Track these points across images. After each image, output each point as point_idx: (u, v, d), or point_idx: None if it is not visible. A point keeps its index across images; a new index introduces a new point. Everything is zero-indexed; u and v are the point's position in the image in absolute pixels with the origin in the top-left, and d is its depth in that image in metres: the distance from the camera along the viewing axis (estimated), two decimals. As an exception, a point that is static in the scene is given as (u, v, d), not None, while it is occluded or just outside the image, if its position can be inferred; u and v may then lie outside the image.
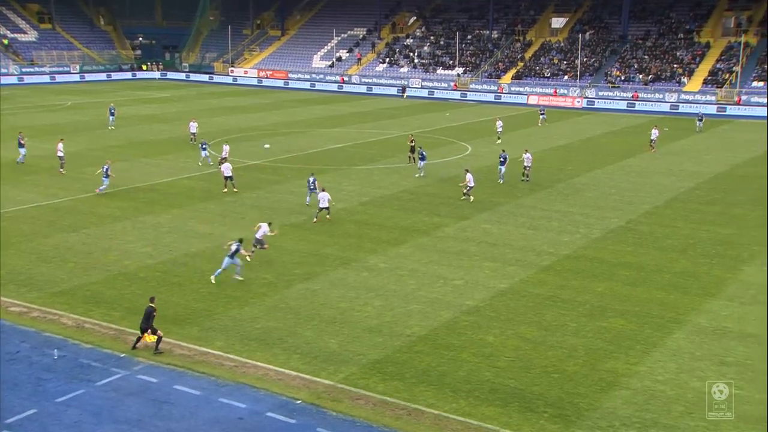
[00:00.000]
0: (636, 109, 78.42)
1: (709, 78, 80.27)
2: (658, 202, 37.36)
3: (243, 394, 17.86)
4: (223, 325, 21.74)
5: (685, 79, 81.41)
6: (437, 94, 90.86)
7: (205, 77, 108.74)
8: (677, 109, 76.80)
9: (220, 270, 25.04)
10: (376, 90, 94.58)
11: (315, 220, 32.71)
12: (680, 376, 18.91)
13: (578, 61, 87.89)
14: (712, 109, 74.47)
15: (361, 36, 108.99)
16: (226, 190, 38.08)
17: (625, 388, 18.29)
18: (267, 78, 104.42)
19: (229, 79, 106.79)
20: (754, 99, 75.37)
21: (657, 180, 42.54)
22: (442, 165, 46.20)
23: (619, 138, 60.21)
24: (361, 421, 16.80)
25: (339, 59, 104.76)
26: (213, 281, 25.01)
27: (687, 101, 77.71)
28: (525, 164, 41.35)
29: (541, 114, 67.80)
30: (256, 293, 24.45)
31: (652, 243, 30.41)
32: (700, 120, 61.59)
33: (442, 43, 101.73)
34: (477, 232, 31.87)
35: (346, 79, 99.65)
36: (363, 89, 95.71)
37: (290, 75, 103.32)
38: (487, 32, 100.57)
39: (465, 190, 36.83)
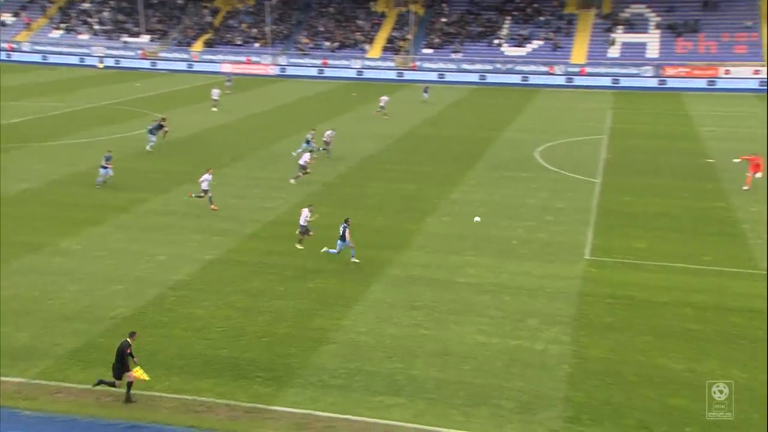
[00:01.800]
0: (326, 75, 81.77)
1: (388, 45, 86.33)
2: (354, 163, 39.57)
3: None
4: None
5: (367, 47, 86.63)
6: (124, 63, 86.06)
7: None
8: (362, 75, 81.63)
9: (335, 251, 24.58)
10: (53, 59, 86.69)
11: (214, 206, 30.03)
12: (379, 325, 20.51)
13: (268, 29, 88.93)
14: (392, 75, 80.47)
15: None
16: None
17: (331, 343, 19.38)
18: None
19: None
20: (426, 65, 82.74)
21: (353, 142, 44.93)
22: (138, 138, 44.08)
23: (313, 103, 62.47)
24: (61, 415, 15.73)
25: (3, 24, 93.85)
26: (356, 261, 24.50)
27: (370, 67, 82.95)
28: (324, 140, 40.47)
29: (228, 82, 67.66)
30: (-76, 293, 21.40)
31: (351, 203, 32.22)
32: (426, 91, 64.84)
33: (125, 7, 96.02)
34: (180, 204, 31.13)
35: (14, 46, 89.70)
36: (38, 58, 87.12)
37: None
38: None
39: (301, 173, 34.91)
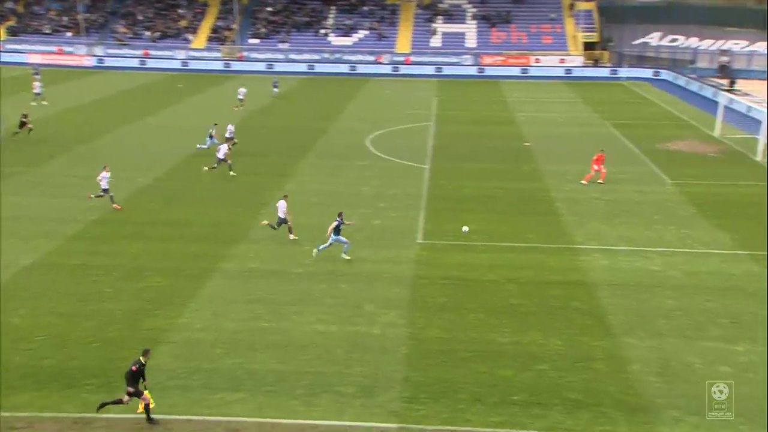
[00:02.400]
0: (148, 66, 78.33)
1: (213, 35, 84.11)
2: (179, 158, 38.27)
3: None
4: None
5: (191, 36, 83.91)
6: None
7: None
8: (187, 65, 79.03)
9: (324, 246, 24.22)
10: None
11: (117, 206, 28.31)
12: (216, 321, 20.09)
13: (80, 17, 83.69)
14: (219, 65, 78.60)
15: None
16: None
17: (167, 343, 18.74)
18: None
19: None
20: (254, 55, 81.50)
21: (183, 135, 43.40)
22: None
23: (136, 96, 59.72)
24: None
25: None
26: (314, 255, 24.26)
27: (196, 58, 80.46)
28: (228, 135, 39.39)
29: (35, 74, 62.90)
30: None
31: (180, 198, 31.19)
32: (275, 86, 62.67)
33: None
34: (-12, 207, 28.71)
35: None
36: None
37: None
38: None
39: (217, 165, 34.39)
